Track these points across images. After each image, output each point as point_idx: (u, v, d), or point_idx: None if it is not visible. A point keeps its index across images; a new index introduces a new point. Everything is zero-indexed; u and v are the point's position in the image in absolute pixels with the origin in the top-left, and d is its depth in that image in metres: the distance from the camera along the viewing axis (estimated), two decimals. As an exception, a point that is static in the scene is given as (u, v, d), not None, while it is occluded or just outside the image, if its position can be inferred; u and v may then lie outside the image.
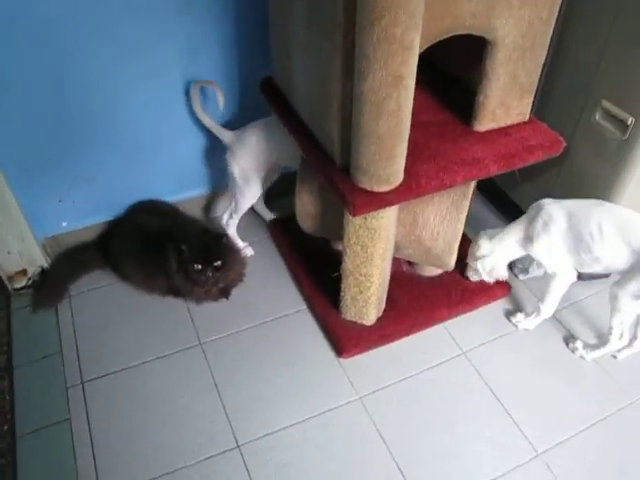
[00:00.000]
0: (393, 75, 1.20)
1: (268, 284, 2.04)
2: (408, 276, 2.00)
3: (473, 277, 1.91)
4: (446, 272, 1.98)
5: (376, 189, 1.42)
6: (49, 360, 1.79)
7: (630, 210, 1.62)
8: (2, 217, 1.81)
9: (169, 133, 1.98)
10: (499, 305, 1.98)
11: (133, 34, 1.71)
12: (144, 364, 1.78)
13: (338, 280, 1.77)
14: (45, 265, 2.01)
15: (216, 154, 2.08)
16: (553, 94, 1.87)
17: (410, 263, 2.01)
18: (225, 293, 1.97)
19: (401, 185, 1.44)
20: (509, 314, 1.94)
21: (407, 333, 1.87)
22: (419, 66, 1.24)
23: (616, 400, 1.73)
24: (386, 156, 1.35)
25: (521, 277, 2.06)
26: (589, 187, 1.83)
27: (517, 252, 1.80)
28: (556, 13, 1.42)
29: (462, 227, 1.74)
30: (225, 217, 2.07)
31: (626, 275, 1.61)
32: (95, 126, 1.85)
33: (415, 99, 1.30)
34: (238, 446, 1.59)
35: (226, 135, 1.92)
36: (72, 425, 1.63)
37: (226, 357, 1.80)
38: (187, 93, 1.90)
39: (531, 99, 1.60)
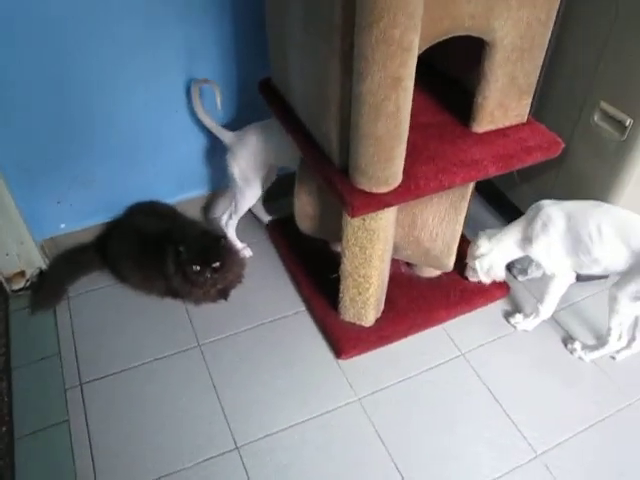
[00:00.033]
0: (392, 77, 1.20)
1: (267, 285, 2.03)
2: (407, 277, 2.00)
3: (472, 277, 1.91)
4: (445, 273, 1.98)
5: (375, 190, 1.42)
6: (47, 362, 1.79)
7: (629, 211, 1.62)
8: (1, 219, 1.81)
9: (168, 134, 1.98)
10: (498, 306, 1.98)
11: (132, 35, 1.71)
12: (142, 365, 1.78)
13: (337, 281, 1.78)
14: (43, 267, 2.00)
15: (216, 155, 2.09)
16: (551, 95, 1.87)
17: (409, 264, 2.01)
18: (224, 294, 1.96)
19: (400, 186, 1.44)
20: (508, 315, 1.94)
21: (406, 334, 1.87)
22: (417, 67, 1.24)
23: (615, 401, 1.73)
24: (385, 157, 1.35)
25: (520, 278, 2.07)
26: (588, 188, 1.83)
27: (515, 253, 1.80)
28: (554, 15, 1.43)
29: (461, 228, 1.74)
30: (225, 218, 2.07)
31: (625, 276, 1.62)
32: (94, 127, 1.85)
33: (414, 100, 1.30)
34: (237, 447, 1.59)
35: (227, 136, 1.92)
36: (70, 427, 1.63)
37: (225, 358, 1.80)
38: (187, 94, 1.90)
39: (529, 100, 1.60)
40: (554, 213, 1.67)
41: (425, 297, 1.93)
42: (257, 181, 1.96)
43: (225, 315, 1.93)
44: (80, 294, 1.99)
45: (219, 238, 1.79)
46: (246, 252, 2.12)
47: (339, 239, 1.65)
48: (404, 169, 1.43)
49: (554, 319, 1.91)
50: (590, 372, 1.81)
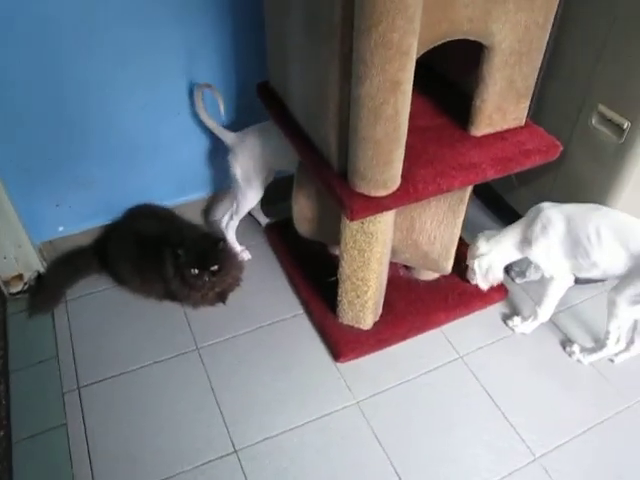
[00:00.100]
0: (391, 80, 1.20)
1: (265, 288, 2.03)
2: (405, 280, 2.00)
3: (474, 279, 1.90)
4: (443, 276, 1.98)
5: (373, 194, 1.42)
6: (45, 365, 1.78)
7: (628, 214, 1.62)
8: (-1, 222, 1.81)
9: (168, 136, 1.98)
10: (496, 309, 1.98)
11: (131, 37, 1.71)
12: (141, 369, 1.78)
13: (335, 284, 1.78)
14: (41, 270, 2.00)
15: (216, 157, 2.09)
16: (549, 98, 1.88)
17: (407, 267, 2.01)
18: (222, 298, 1.96)
19: (398, 190, 1.44)
20: (506, 318, 1.94)
21: (404, 337, 1.87)
22: (416, 71, 1.24)
23: (613, 404, 1.73)
24: (383, 161, 1.35)
25: (518, 281, 2.07)
26: (586, 191, 1.83)
27: (514, 254, 1.80)
28: (552, 18, 1.43)
29: (459, 231, 1.75)
30: (225, 219, 2.07)
31: (624, 280, 1.62)
32: (94, 128, 1.85)
33: (412, 104, 1.30)
34: (235, 451, 1.59)
35: (228, 137, 1.92)
36: (68, 430, 1.63)
37: (223, 362, 1.80)
38: (186, 96, 1.91)
39: (528, 103, 1.60)
40: (554, 216, 1.67)
41: (423, 300, 1.93)
42: (258, 182, 1.96)
43: (223, 318, 1.93)
44: (78, 297, 1.98)
45: (217, 241, 1.79)
46: (245, 255, 2.12)
47: (337, 242, 1.65)
48: (402, 172, 1.43)
49: (552, 322, 1.91)
50: (588, 375, 1.81)
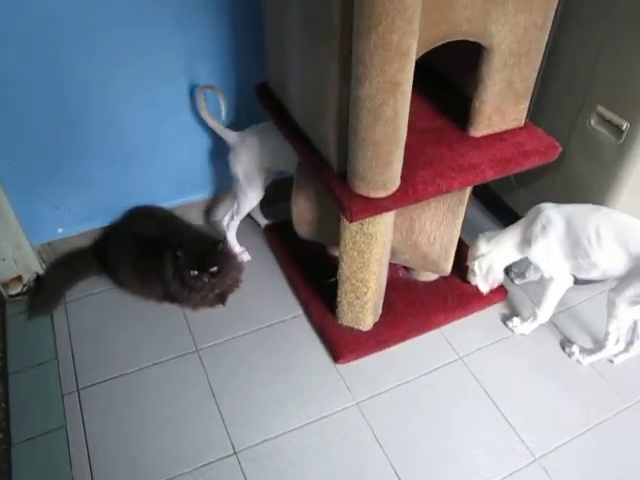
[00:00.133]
0: (390, 82, 1.20)
1: (264, 290, 2.03)
2: (404, 281, 2.00)
3: (474, 281, 1.90)
4: (442, 277, 1.98)
5: (373, 195, 1.42)
6: (45, 367, 1.78)
7: (628, 215, 1.63)
8: (-2, 224, 1.81)
9: (168, 136, 1.98)
10: (495, 310, 1.98)
11: (131, 37, 1.71)
12: (140, 371, 1.78)
13: (334, 285, 1.78)
14: (40, 271, 2.00)
15: (217, 158, 2.10)
16: (548, 99, 1.88)
17: (406, 268, 2.01)
18: (221, 299, 1.96)
19: (398, 191, 1.44)
20: (505, 319, 1.94)
21: (404, 338, 1.87)
22: (415, 72, 1.24)
23: (613, 404, 1.74)
24: (383, 162, 1.35)
25: (517, 282, 2.07)
26: (585, 192, 1.83)
27: (514, 255, 1.80)
28: (551, 19, 1.43)
29: (458, 232, 1.75)
30: (226, 219, 2.07)
31: (623, 281, 1.62)
32: (93, 129, 1.85)
33: (411, 105, 1.30)
34: (235, 452, 1.59)
35: (230, 136, 1.92)
36: (68, 432, 1.62)
37: (223, 363, 1.80)
38: (186, 97, 1.91)
39: (527, 104, 1.60)
40: (554, 216, 1.67)
41: (423, 301, 1.93)
42: (259, 182, 1.96)
43: (223, 320, 1.93)
44: (77, 299, 1.98)
45: (217, 243, 1.79)
46: (244, 256, 2.12)
47: (337, 243, 1.65)
48: (402, 174, 1.43)
49: (552, 322, 1.91)
50: (588, 375, 1.81)
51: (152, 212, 2.05)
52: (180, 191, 2.15)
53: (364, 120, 1.28)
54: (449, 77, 1.80)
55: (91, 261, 2.02)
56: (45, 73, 1.67)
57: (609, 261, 1.61)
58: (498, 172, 1.54)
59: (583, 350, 1.84)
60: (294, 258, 2.08)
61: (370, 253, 1.59)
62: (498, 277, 1.84)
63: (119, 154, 1.94)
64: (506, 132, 1.62)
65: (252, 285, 2.03)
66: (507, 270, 2.02)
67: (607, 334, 1.73)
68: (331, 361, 1.81)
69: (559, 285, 1.76)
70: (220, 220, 2.11)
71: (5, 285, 1.95)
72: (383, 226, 1.54)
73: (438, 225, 1.72)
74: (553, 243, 1.67)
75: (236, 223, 2.06)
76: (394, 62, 1.18)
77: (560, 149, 1.62)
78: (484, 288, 1.87)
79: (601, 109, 1.72)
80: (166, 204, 2.11)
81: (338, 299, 1.79)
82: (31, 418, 1.66)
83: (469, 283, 1.93)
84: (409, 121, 1.33)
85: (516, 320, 1.91)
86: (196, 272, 1.76)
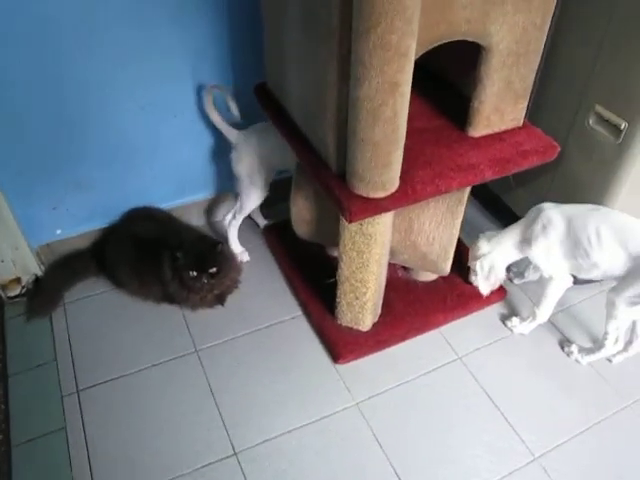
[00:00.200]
0: (389, 82, 1.20)
1: (263, 290, 2.03)
2: (403, 281, 2.00)
3: (476, 281, 1.90)
4: (441, 277, 1.98)
5: (372, 195, 1.42)
6: (44, 368, 1.78)
7: (627, 215, 1.63)
8: (-4, 225, 1.81)
9: (167, 137, 1.98)
10: (494, 309, 1.99)
11: (130, 38, 1.71)
12: (140, 372, 1.77)
13: (333, 286, 1.78)
14: (39, 273, 2.00)
15: (216, 158, 2.10)
16: (547, 98, 1.88)
17: (405, 268, 2.01)
18: (220, 300, 1.96)
19: (397, 191, 1.44)
20: (504, 318, 1.95)
21: (403, 338, 1.87)
22: (413, 72, 1.24)
23: (612, 404, 1.74)
24: (382, 163, 1.35)
25: (516, 281, 2.07)
26: (583, 192, 1.83)
27: (515, 254, 1.80)
28: (550, 19, 1.43)
29: (457, 232, 1.75)
30: (228, 217, 2.07)
31: (623, 281, 1.62)
32: (92, 130, 1.84)
33: (410, 105, 1.30)
34: (235, 453, 1.59)
35: (233, 134, 1.92)
36: (68, 434, 1.62)
37: (222, 364, 1.80)
38: (185, 97, 1.91)
39: (525, 104, 1.60)
40: (554, 216, 1.67)
41: (422, 301, 1.93)
42: (262, 181, 1.96)
43: (222, 320, 1.92)
44: (76, 300, 1.98)
45: (216, 243, 1.79)
46: (244, 256, 2.12)
47: (336, 244, 1.65)
48: (401, 174, 1.43)
49: (551, 322, 1.91)
50: (587, 375, 1.81)
51: (151, 213, 2.05)
52: (180, 192, 2.15)
53: (363, 120, 1.28)
54: (448, 77, 1.80)
55: (90, 262, 2.02)
56: (45, 73, 1.67)
57: (609, 261, 1.61)
58: (497, 172, 1.54)
59: (582, 350, 1.84)
60: (293, 258, 2.08)
61: (369, 253, 1.59)
62: (500, 276, 1.84)
63: (119, 154, 1.94)
64: (505, 132, 1.62)
65: (251, 286, 2.03)
66: (506, 270, 2.02)
67: (606, 334, 1.73)
68: (330, 361, 1.81)
69: (558, 285, 1.76)
70: (221, 220, 2.11)
71: (4, 287, 1.95)
72: (382, 226, 1.54)
73: (437, 225, 1.72)
74: (553, 243, 1.68)
75: (238, 222, 2.06)
76: (393, 62, 1.18)
77: (559, 149, 1.62)
78: (486, 288, 1.87)
79: (599, 109, 1.72)
80: (165, 205, 2.11)
81: (337, 299, 1.79)
82: (31, 420, 1.65)
83: (471, 284, 1.92)
84: (408, 121, 1.33)
85: (515, 320, 1.91)
86: (195, 273, 1.76)
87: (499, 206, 2.24)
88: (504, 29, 1.38)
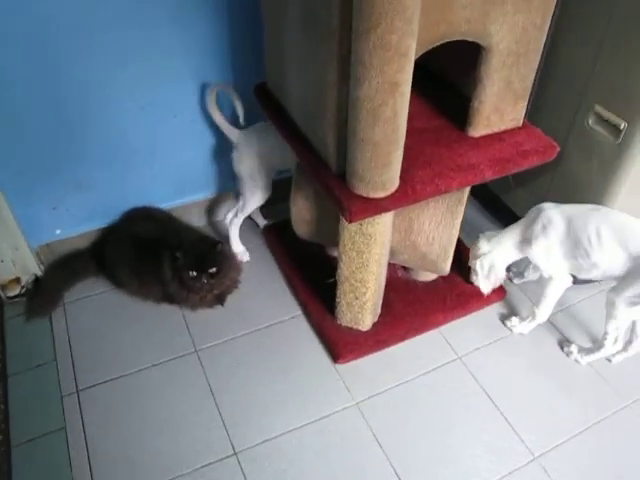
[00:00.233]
0: (389, 82, 1.21)
1: (263, 290, 2.03)
2: (403, 281, 2.00)
3: (476, 280, 1.90)
4: (441, 277, 1.98)
5: (372, 195, 1.42)
6: (44, 369, 1.78)
7: (627, 215, 1.63)
8: (-4, 225, 1.81)
9: (167, 137, 1.98)
10: (494, 309, 1.99)
11: (129, 38, 1.71)
12: (140, 372, 1.77)
13: (333, 286, 1.78)
14: (39, 273, 1.99)
15: (217, 158, 2.10)
16: (547, 98, 1.88)
17: (405, 268, 2.01)
18: (220, 300, 1.96)
19: (397, 191, 1.44)
20: (504, 318, 1.95)
21: (402, 338, 1.87)
22: (414, 72, 1.24)
23: (611, 403, 1.74)
24: (382, 163, 1.35)
25: (516, 281, 2.07)
26: (583, 191, 1.84)
27: (515, 254, 1.80)
28: (550, 19, 1.43)
29: (457, 232, 1.75)
30: (230, 216, 2.07)
31: (622, 281, 1.62)
32: (93, 129, 1.84)
33: (410, 105, 1.30)
34: (235, 453, 1.59)
35: (234, 134, 1.92)
36: (67, 434, 1.62)
37: (222, 364, 1.80)
38: (185, 97, 1.91)
39: (525, 104, 1.60)
40: (555, 216, 1.67)
41: (422, 301, 1.94)
42: (264, 180, 1.97)
43: (222, 320, 1.92)
44: (76, 300, 1.98)
45: (215, 243, 1.79)
46: (245, 256, 2.12)
47: (336, 244, 1.65)
48: (401, 174, 1.44)
49: (550, 322, 1.91)
50: (586, 375, 1.81)
51: (150, 213, 2.05)
52: (180, 192, 2.15)
53: (363, 120, 1.28)
54: (448, 77, 1.80)
55: (89, 262, 2.01)
56: (45, 73, 1.67)
57: (609, 261, 1.61)
58: (497, 172, 1.54)
59: (581, 349, 1.84)
60: (293, 258, 2.08)
61: (369, 253, 1.60)
62: (500, 276, 1.84)
63: (118, 154, 1.94)
64: (505, 132, 1.62)
65: (251, 286, 2.03)
66: (506, 270, 2.02)
67: (606, 334, 1.73)
68: (330, 361, 1.81)
69: (558, 285, 1.76)
70: (222, 219, 2.11)
71: (3, 287, 1.95)
72: (382, 226, 1.54)
73: (437, 225, 1.72)
74: (553, 243, 1.68)
75: (239, 221, 2.06)
76: (393, 63, 1.18)
77: (558, 149, 1.62)
78: (486, 287, 1.87)
79: (599, 109, 1.72)
80: (165, 205, 2.11)
81: (337, 299, 1.79)
82: (31, 420, 1.65)
83: (472, 284, 1.92)
84: (408, 121, 1.33)
85: (515, 320, 1.91)
86: (195, 273, 1.76)
87: (499, 206, 2.24)
88: (504, 29, 1.39)
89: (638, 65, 1.58)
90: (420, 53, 1.29)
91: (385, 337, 1.84)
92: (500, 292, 1.98)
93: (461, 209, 1.71)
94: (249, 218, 2.17)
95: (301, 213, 1.83)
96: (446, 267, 1.82)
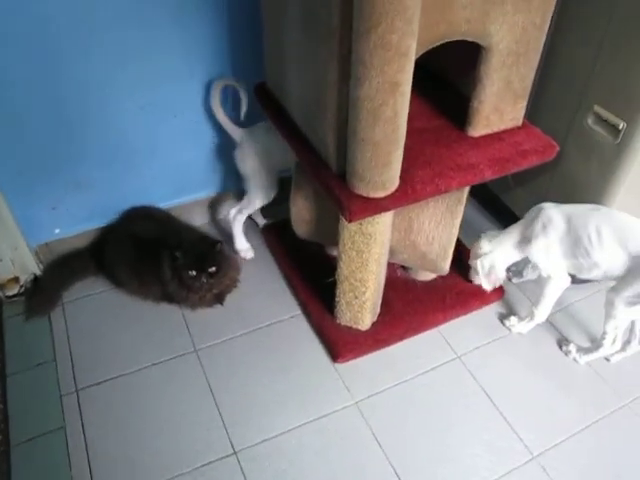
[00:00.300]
0: (389, 82, 1.21)
1: (262, 290, 2.03)
2: (403, 281, 2.00)
3: (477, 279, 1.91)
4: (440, 276, 1.98)
5: (372, 195, 1.42)
6: (43, 368, 1.78)
7: (628, 214, 1.63)
8: (-5, 225, 1.81)
9: (167, 137, 1.98)
10: (493, 309, 1.99)
11: (129, 38, 1.71)
12: (139, 371, 1.77)
13: (333, 285, 1.78)
14: (38, 272, 1.99)
15: (217, 158, 2.10)
16: (546, 98, 1.88)
17: (404, 268, 2.02)
18: (220, 299, 1.96)
19: (397, 191, 1.45)
20: (503, 318, 1.95)
21: (402, 337, 1.87)
22: (414, 72, 1.24)
23: (610, 403, 1.74)
24: (382, 162, 1.35)
25: (515, 281, 2.07)
26: (582, 191, 1.84)
27: (516, 254, 1.80)
28: (549, 19, 1.44)
29: (457, 232, 1.75)
30: (233, 212, 2.06)
31: (622, 281, 1.62)
32: (93, 129, 1.84)
33: (410, 105, 1.30)
34: (235, 452, 1.59)
35: (237, 132, 1.93)
36: (67, 433, 1.62)
37: (222, 363, 1.80)
38: (184, 97, 1.91)
39: (525, 104, 1.61)
40: (555, 215, 1.68)
41: (421, 300, 1.94)
42: (268, 179, 1.97)
43: (221, 320, 1.92)
44: (75, 300, 1.98)
45: (215, 243, 1.79)
46: (249, 253, 2.13)
47: (335, 243, 1.65)
48: (401, 173, 1.44)
49: (549, 321, 1.91)
50: (585, 374, 1.82)
51: (150, 212, 2.05)
52: (179, 191, 2.15)
53: (363, 120, 1.28)
54: (448, 77, 1.80)
55: (88, 262, 2.01)
56: (45, 73, 1.66)
57: (610, 260, 1.61)
58: (496, 172, 1.54)
59: (580, 349, 1.85)
60: (292, 258, 2.08)
61: (369, 253, 1.60)
62: (500, 276, 1.84)
63: (118, 154, 1.94)
64: (504, 132, 1.63)
65: (250, 285, 2.03)
66: (505, 269, 2.02)
67: (604, 333, 1.74)
68: (330, 361, 1.82)
69: (557, 284, 1.76)
70: (225, 215, 2.11)
71: (2, 286, 1.94)
72: (382, 226, 1.54)
73: (436, 225, 1.72)
74: (553, 242, 1.68)
75: (243, 217, 2.06)
76: (394, 62, 1.18)
77: (558, 149, 1.63)
78: (487, 287, 1.87)
79: (598, 109, 1.73)
80: (165, 204, 2.11)
81: (337, 299, 1.79)
82: (30, 419, 1.65)
83: (471, 282, 1.93)
84: (408, 121, 1.33)
85: (513, 319, 1.92)
86: (194, 272, 1.76)
87: (498, 206, 2.25)
88: (504, 29, 1.39)
89: (638, 65, 1.58)
90: (420, 53, 1.30)
91: (384, 336, 1.84)
92: (499, 292, 1.99)
93: (461, 209, 1.71)
94: (249, 218, 2.17)
95: (301, 213, 1.83)
96: (445, 266, 1.82)
